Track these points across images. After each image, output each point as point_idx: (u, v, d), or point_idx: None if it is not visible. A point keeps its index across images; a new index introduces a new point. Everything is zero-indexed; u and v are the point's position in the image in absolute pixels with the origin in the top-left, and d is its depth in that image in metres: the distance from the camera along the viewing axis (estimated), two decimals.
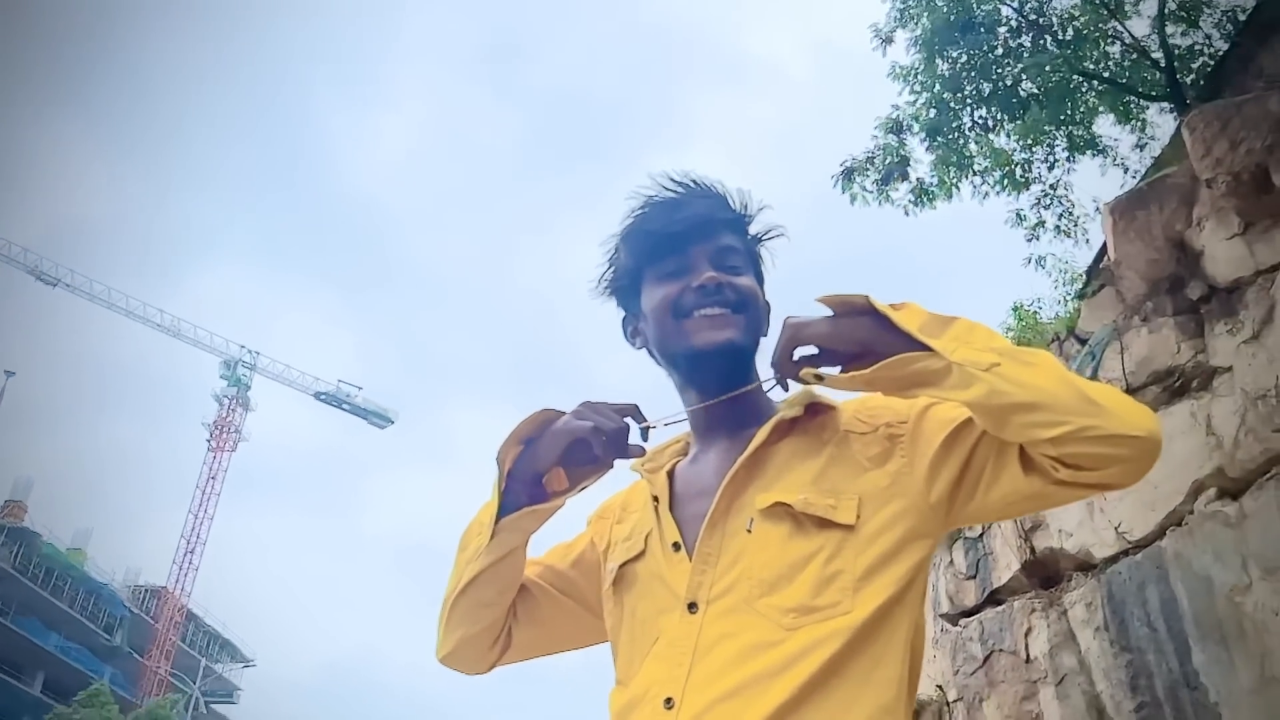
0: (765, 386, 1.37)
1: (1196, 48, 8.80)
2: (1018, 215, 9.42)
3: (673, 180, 1.43)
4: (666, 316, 1.38)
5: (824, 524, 1.23)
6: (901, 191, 9.28)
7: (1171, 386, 4.39)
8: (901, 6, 9.04)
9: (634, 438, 1.37)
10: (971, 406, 1.17)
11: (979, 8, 8.78)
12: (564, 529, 1.57)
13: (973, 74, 8.87)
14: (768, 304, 1.45)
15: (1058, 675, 4.80)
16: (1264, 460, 3.82)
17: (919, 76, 9.00)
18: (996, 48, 8.90)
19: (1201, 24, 8.70)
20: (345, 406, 54.03)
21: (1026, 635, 5.07)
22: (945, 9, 8.72)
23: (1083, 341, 5.38)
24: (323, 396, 53.53)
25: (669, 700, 1.16)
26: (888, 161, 9.15)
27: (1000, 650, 5.26)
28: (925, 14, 8.80)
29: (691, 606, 1.23)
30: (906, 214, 9.30)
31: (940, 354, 1.16)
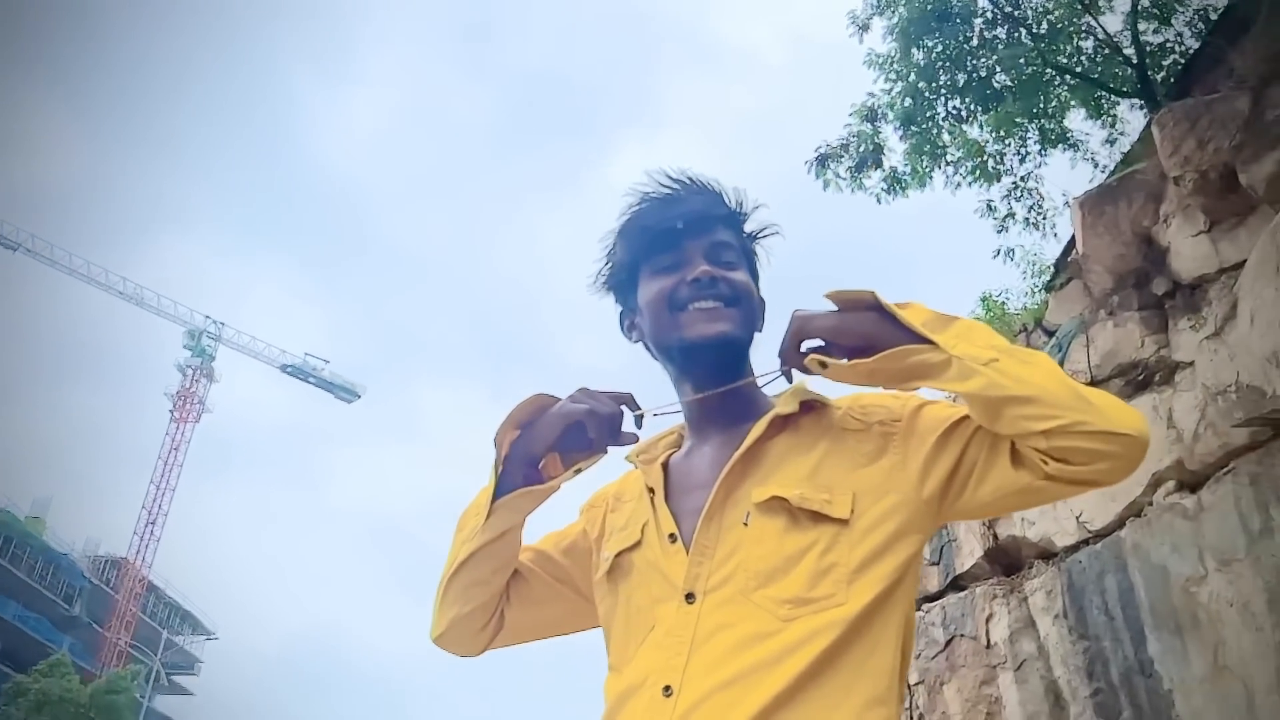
0: (769, 377, 1.40)
1: (1168, 45, 8.92)
2: (988, 206, 9.53)
3: (669, 177, 1.45)
4: (661, 310, 1.40)
5: (819, 518, 1.25)
6: (875, 179, 9.37)
7: (1135, 380, 4.47)
8: None
9: (628, 426, 1.40)
10: (969, 398, 1.21)
11: None
12: (557, 520, 1.60)
13: (948, 64, 8.93)
14: (763, 300, 1.47)
15: (1017, 660, 4.90)
16: (1222, 455, 3.89)
17: (894, 65, 9.06)
18: (972, 39, 8.96)
19: (1174, 22, 8.82)
20: (312, 380, 53.69)
21: (988, 621, 5.16)
22: None
23: (1050, 333, 5.46)
24: (289, 369, 53.13)
25: (668, 688, 1.18)
26: (862, 149, 9.21)
27: (961, 635, 5.35)
28: (902, 3, 8.83)
29: (689, 597, 1.25)
30: (879, 202, 9.40)
31: (942, 348, 1.20)
